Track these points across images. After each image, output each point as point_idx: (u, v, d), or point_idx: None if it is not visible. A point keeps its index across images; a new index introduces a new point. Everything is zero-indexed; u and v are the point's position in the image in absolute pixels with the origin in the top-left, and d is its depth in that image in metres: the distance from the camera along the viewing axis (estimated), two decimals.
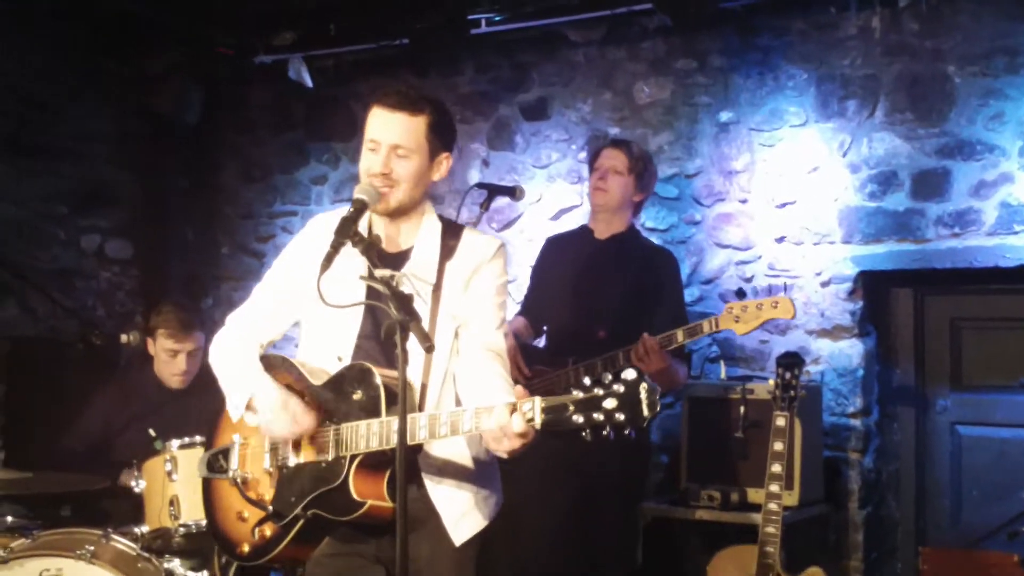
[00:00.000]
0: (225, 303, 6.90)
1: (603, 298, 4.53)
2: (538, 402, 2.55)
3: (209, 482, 3.20)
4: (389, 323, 2.68)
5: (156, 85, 6.39)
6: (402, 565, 2.56)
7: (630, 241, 4.68)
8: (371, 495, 2.80)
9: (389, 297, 2.66)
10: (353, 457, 2.82)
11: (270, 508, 2.97)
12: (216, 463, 3.15)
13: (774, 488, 4.05)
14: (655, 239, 5.53)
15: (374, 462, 2.81)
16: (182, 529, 4.09)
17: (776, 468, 4.06)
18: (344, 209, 2.91)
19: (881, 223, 5.01)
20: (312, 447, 2.92)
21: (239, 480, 3.06)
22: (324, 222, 3.12)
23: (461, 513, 3.01)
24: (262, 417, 2.95)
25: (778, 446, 4.09)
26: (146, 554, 4.09)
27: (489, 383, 2.92)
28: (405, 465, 2.59)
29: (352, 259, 2.86)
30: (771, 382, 4.22)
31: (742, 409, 4.58)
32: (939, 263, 4.89)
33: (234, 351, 3.09)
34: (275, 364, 3.08)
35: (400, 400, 2.60)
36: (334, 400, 2.91)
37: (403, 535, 2.56)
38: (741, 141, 5.34)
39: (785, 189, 5.22)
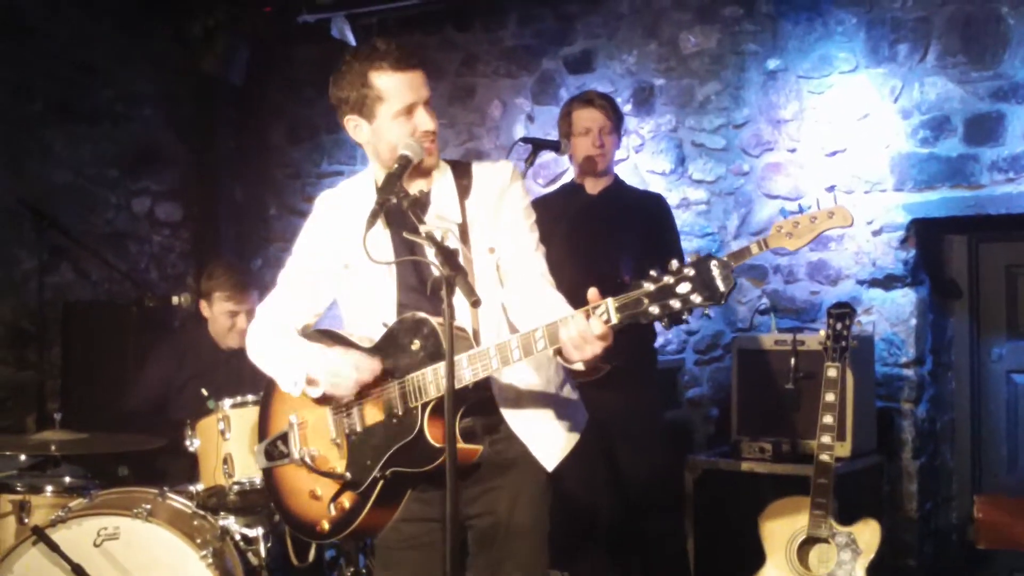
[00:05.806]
0: (274, 264, 6.94)
1: (617, 246, 4.45)
2: (611, 302, 2.51)
3: (271, 472, 3.12)
4: (435, 278, 2.65)
5: (201, 45, 6.41)
6: (453, 514, 2.57)
7: (623, 190, 4.66)
8: None
9: (436, 252, 2.63)
10: (425, 405, 2.76)
11: (347, 476, 2.90)
12: (275, 451, 3.08)
13: (826, 439, 4.01)
14: (702, 191, 5.49)
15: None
16: (236, 487, 4.13)
17: (828, 419, 4.02)
18: (348, 181, 3.06)
19: (934, 169, 4.92)
20: (378, 407, 2.87)
21: (307, 458, 2.98)
22: (332, 196, 3.14)
23: (548, 437, 2.96)
24: (325, 381, 2.88)
25: (829, 397, 4.05)
26: (202, 512, 4.15)
27: (545, 304, 2.85)
28: (454, 417, 2.58)
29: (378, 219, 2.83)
30: (822, 333, 4.16)
31: (793, 361, 4.54)
32: (993, 209, 4.80)
33: (274, 337, 3.05)
34: (318, 339, 3.02)
35: (447, 355, 2.57)
36: (391, 357, 2.86)
37: (453, 484, 2.55)
38: (790, 89, 5.26)
39: (835, 137, 5.14)
